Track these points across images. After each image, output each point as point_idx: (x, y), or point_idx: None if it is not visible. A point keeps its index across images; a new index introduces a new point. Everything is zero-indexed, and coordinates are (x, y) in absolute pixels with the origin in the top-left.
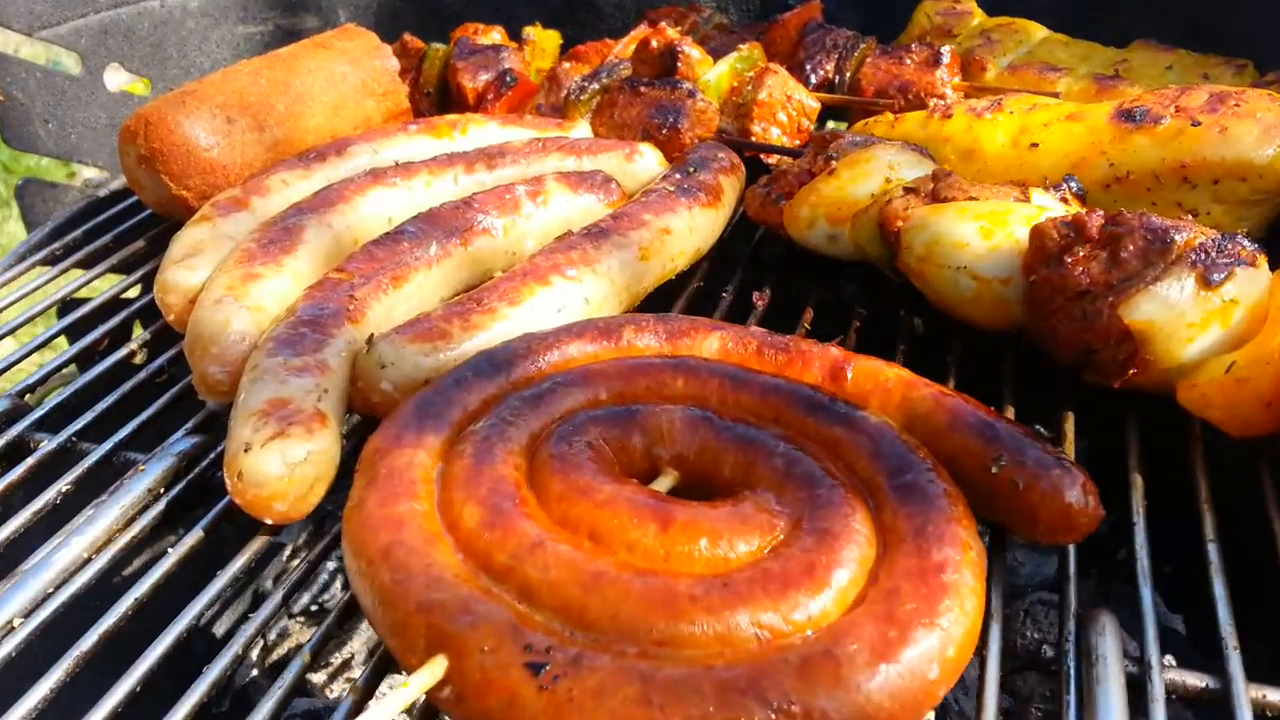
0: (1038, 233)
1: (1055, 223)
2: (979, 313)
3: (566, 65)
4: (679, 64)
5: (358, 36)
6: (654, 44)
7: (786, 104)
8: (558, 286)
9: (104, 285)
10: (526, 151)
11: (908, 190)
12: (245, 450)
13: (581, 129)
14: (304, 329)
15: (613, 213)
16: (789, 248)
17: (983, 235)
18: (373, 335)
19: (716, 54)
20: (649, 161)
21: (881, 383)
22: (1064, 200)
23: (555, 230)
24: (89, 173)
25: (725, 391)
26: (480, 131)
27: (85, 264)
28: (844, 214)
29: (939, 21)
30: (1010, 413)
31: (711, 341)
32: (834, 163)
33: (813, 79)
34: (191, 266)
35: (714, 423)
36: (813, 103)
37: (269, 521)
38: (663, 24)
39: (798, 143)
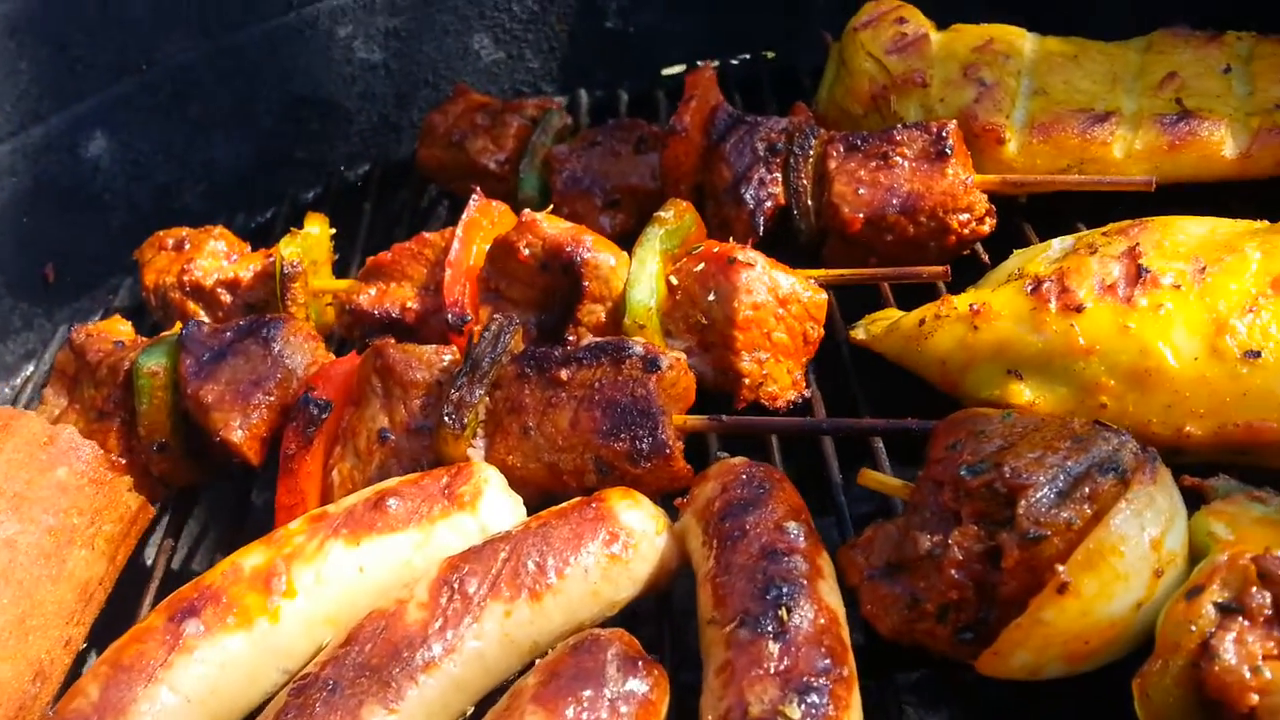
0: None
1: None
2: None
3: (369, 294)
4: (585, 281)
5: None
6: (525, 249)
7: (782, 310)
8: None
9: None
10: (440, 625)
11: (1224, 610)
12: None
13: (492, 493)
14: None
15: None
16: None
17: None
18: None
19: (584, 187)
20: (643, 536)
21: None
22: None
23: None
24: None
25: None
26: (317, 574)
27: None
28: (1093, 647)
29: (896, 67)
30: None
31: None
32: (1054, 565)
33: (759, 216)
34: None
35: None
36: (820, 295)
37: None
38: (528, 214)
39: (806, 363)
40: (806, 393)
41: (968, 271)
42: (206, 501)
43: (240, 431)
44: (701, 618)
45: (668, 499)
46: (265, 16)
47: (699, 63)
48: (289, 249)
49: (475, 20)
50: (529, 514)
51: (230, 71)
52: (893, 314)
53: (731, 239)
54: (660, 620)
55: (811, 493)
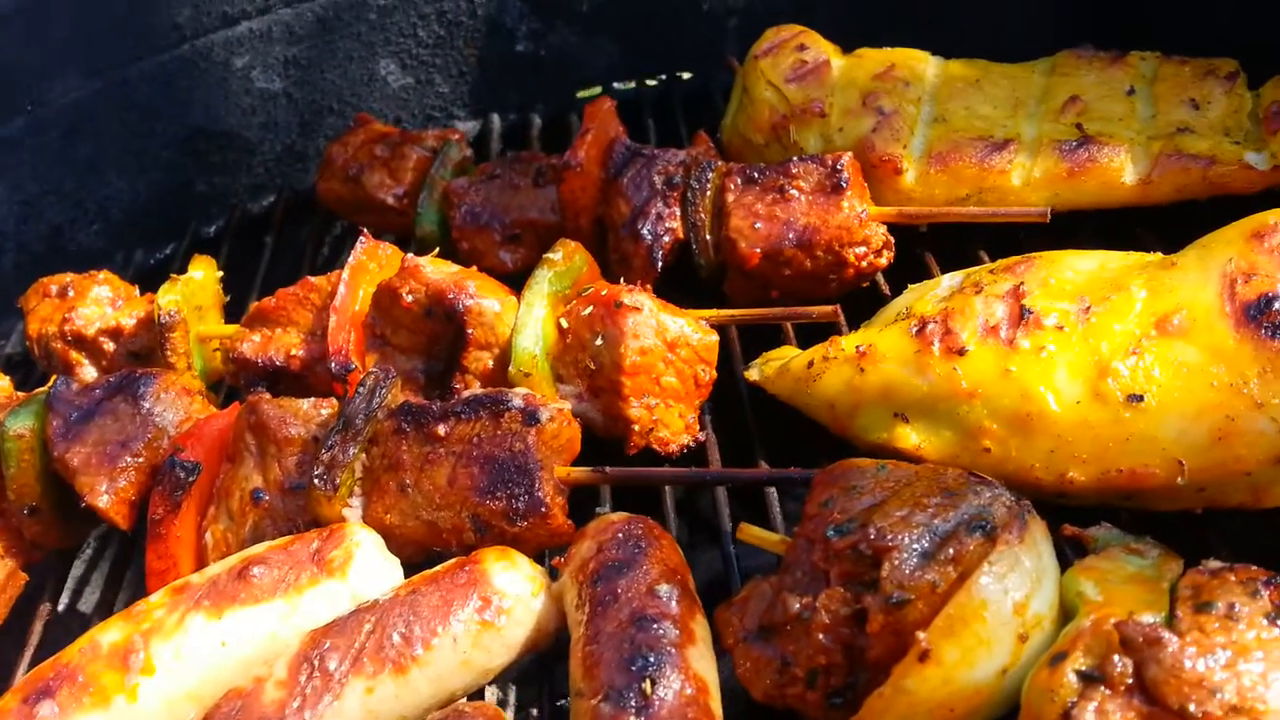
0: None
1: None
2: None
3: (254, 341)
4: (469, 329)
5: None
6: (408, 295)
7: (671, 354)
8: None
9: None
10: (298, 705)
11: (1085, 679)
12: None
13: (364, 557)
14: None
15: None
16: None
17: None
18: None
19: (482, 222)
20: (518, 600)
21: None
22: None
23: None
24: None
25: None
26: (176, 650)
27: None
28: (958, 715)
29: (796, 96)
30: None
31: None
32: (915, 632)
33: (658, 251)
34: None
35: None
36: (710, 337)
37: None
38: (411, 259)
39: (699, 405)
40: (701, 436)
41: (870, 303)
42: (93, 561)
43: (106, 496)
44: (571, 688)
45: (556, 552)
46: (157, 50)
47: (615, 84)
48: (167, 297)
49: (380, 46)
50: (412, 574)
51: (123, 107)
52: (788, 352)
53: (623, 279)
54: (541, 683)
55: (708, 541)
